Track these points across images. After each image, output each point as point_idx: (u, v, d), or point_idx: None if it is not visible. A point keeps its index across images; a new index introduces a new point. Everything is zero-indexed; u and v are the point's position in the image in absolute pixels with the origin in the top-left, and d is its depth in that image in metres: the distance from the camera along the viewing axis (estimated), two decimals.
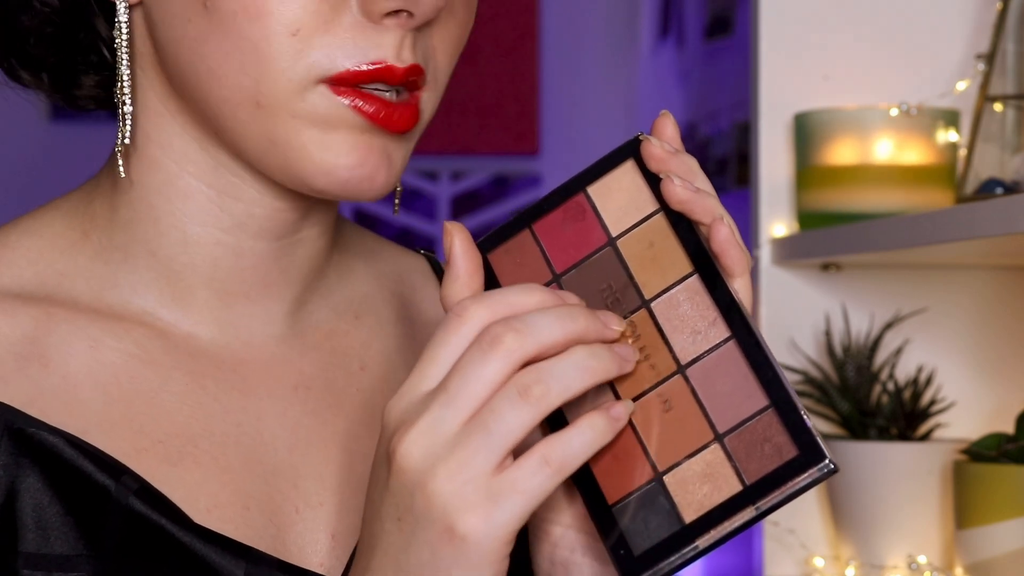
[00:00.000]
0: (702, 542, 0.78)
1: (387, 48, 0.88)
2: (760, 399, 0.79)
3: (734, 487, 0.78)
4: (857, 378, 1.68)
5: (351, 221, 1.07)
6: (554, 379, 0.78)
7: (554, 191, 0.87)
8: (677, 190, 0.84)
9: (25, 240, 0.96)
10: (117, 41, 0.92)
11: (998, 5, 1.58)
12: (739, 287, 0.84)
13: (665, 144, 0.86)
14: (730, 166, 3.17)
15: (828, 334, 1.70)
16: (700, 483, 0.79)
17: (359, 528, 0.94)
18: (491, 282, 0.86)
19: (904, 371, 1.71)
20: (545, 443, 0.78)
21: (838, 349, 1.70)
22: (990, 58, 1.57)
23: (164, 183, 0.94)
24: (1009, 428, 1.57)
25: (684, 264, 0.83)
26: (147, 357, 0.94)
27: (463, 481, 0.77)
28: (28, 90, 0.98)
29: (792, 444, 0.78)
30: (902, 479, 1.63)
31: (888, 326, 1.70)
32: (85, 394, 0.92)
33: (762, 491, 0.78)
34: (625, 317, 0.83)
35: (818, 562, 1.72)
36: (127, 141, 0.93)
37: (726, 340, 0.81)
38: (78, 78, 0.96)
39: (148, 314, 0.95)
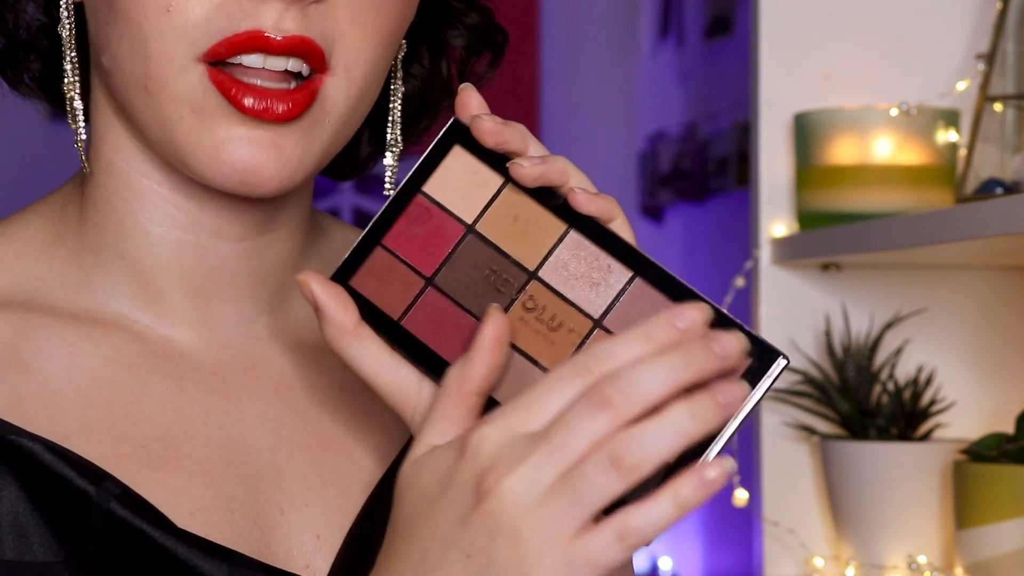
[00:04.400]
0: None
1: (263, 18, 0.87)
2: None
3: None
4: (857, 378, 1.68)
5: (331, 216, 1.06)
6: (647, 449, 0.75)
7: (389, 201, 0.86)
8: (527, 171, 0.83)
9: (2, 245, 0.96)
10: (63, 36, 0.93)
11: (998, 5, 1.58)
12: (618, 227, 0.83)
13: (495, 117, 0.84)
14: (730, 166, 3.17)
15: (828, 334, 1.70)
16: None
17: (345, 528, 0.94)
18: (365, 307, 0.84)
19: (904, 371, 1.71)
20: (623, 515, 0.76)
21: (838, 349, 1.70)
22: (990, 58, 1.57)
23: (121, 184, 0.94)
24: (1009, 428, 1.57)
25: (555, 225, 0.83)
26: (126, 361, 0.94)
27: (545, 539, 0.75)
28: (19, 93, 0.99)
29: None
30: (902, 479, 1.63)
31: (888, 326, 1.70)
32: (65, 400, 0.92)
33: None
34: (517, 295, 0.83)
35: (818, 562, 1.72)
36: (83, 136, 0.93)
37: (631, 280, 0.81)
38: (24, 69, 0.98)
39: (125, 317, 0.95)
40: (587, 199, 0.82)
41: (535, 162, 0.83)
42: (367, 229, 0.86)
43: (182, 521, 0.90)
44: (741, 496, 1.71)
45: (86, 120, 0.95)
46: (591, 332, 0.81)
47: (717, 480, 0.75)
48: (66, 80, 0.93)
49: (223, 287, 0.96)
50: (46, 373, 0.92)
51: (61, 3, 0.93)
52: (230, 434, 0.94)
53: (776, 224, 1.75)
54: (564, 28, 3.94)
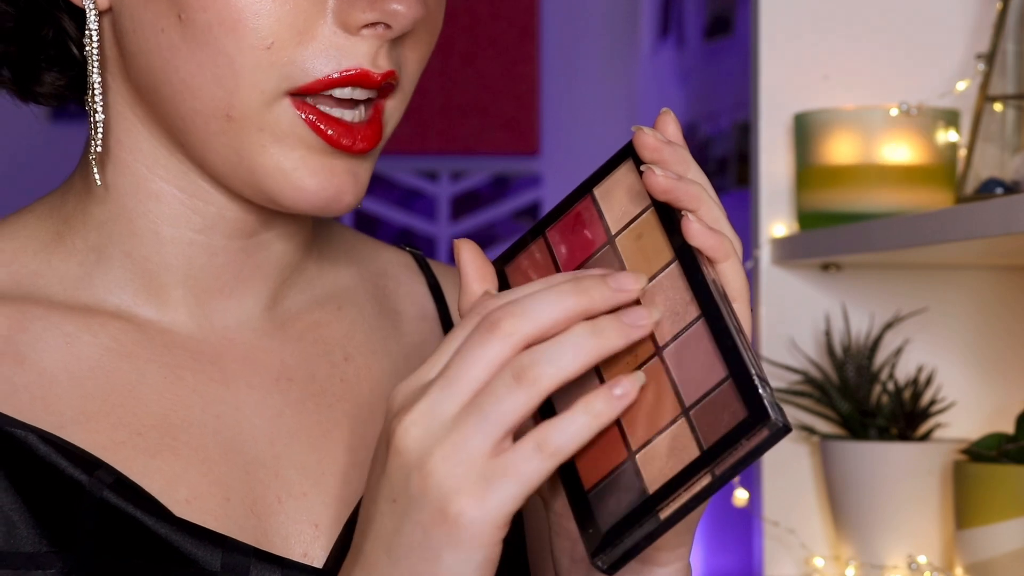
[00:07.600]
0: (664, 512, 0.78)
1: (362, 57, 0.89)
2: (720, 371, 0.80)
3: (693, 455, 0.79)
4: (857, 378, 1.68)
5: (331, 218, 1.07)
6: (548, 361, 0.77)
7: (566, 197, 0.88)
8: (659, 179, 0.84)
9: None
10: (88, 49, 0.93)
11: (998, 5, 1.58)
12: (726, 270, 0.84)
13: (657, 133, 0.85)
14: (730, 166, 3.17)
15: (828, 334, 1.70)
16: (667, 457, 0.79)
17: (343, 518, 0.95)
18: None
19: (904, 371, 1.71)
20: (540, 428, 0.78)
21: (838, 349, 1.70)
22: (990, 58, 1.57)
23: (135, 186, 0.95)
24: (1009, 428, 1.58)
25: (667, 252, 0.84)
26: (124, 351, 0.94)
27: (458, 463, 0.77)
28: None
29: (743, 407, 0.78)
30: (902, 479, 1.63)
31: (888, 326, 1.70)
32: (61, 389, 0.92)
33: (716, 456, 0.78)
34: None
35: (818, 562, 1.72)
36: (99, 149, 0.93)
37: (697, 319, 0.82)
38: (39, 75, 0.97)
39: (124, 311, 0.96)
40: (697, 230, 0.83)
41: (670, 176, 0.83)
42: (542, 218, 0.88)
43: (178, 508, 0.91)
44: (741, 496, 1.71)
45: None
46: (650, 358, 0.82)
47: (628, 394, 0.78)
48: (92, 95, 0.93)
49: (227, 282, 0.97)
50: (43, 363, 0.93)
51: (89, 18, 0.92)
52: (228, 423, 0.95)
53: (776, 224, 1.75)
54: (564, 28, 3.94)
